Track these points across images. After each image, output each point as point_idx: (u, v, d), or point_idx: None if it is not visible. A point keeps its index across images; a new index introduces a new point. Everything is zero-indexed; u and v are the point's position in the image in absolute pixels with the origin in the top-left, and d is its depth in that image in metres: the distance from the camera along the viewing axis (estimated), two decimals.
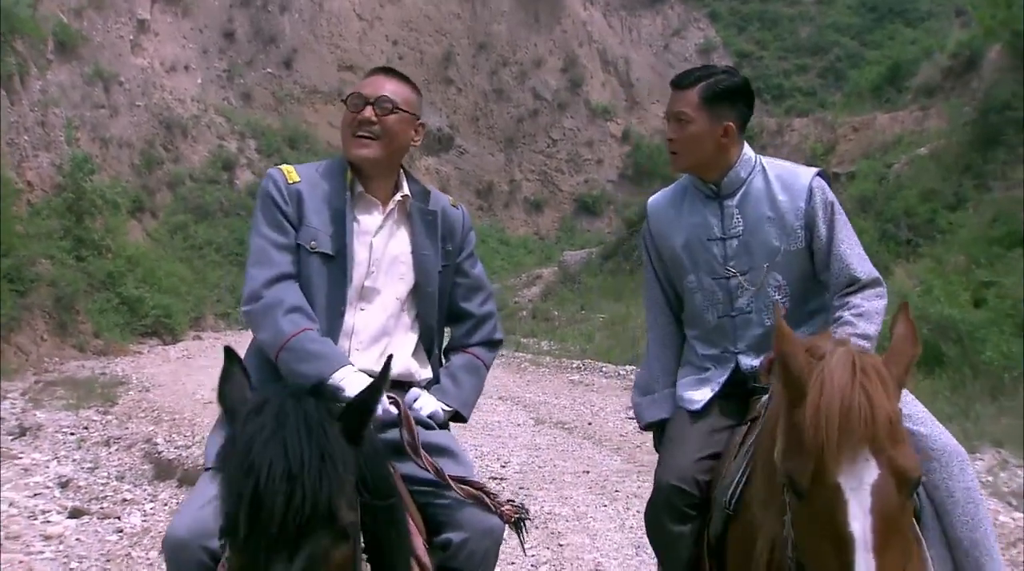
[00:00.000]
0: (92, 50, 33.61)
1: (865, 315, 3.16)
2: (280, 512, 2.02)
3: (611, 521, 7.62)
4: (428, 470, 2.98)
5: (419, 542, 2.90)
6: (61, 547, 7.18)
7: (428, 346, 3.40)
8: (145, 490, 9.02)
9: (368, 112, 3.23)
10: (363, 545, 2.34)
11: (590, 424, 11.86)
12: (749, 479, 2.91)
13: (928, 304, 11.50)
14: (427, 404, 3.23)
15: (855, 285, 3.27)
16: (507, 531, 3.17)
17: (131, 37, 36.24)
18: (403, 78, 3.38)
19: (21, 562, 6.77)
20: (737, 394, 3.39)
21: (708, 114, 3.35)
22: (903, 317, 2.54)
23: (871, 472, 2.25)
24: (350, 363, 3.07)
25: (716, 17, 52.12)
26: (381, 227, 3.29)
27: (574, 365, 17.25)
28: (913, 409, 3.09)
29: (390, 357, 2.49)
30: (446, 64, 44.50)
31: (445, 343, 3.56)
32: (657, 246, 3.57)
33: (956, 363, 10.76)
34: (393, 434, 3.00)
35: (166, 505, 8.48)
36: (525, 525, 3.20)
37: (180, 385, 14.85)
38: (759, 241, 3.36)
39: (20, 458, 9.83)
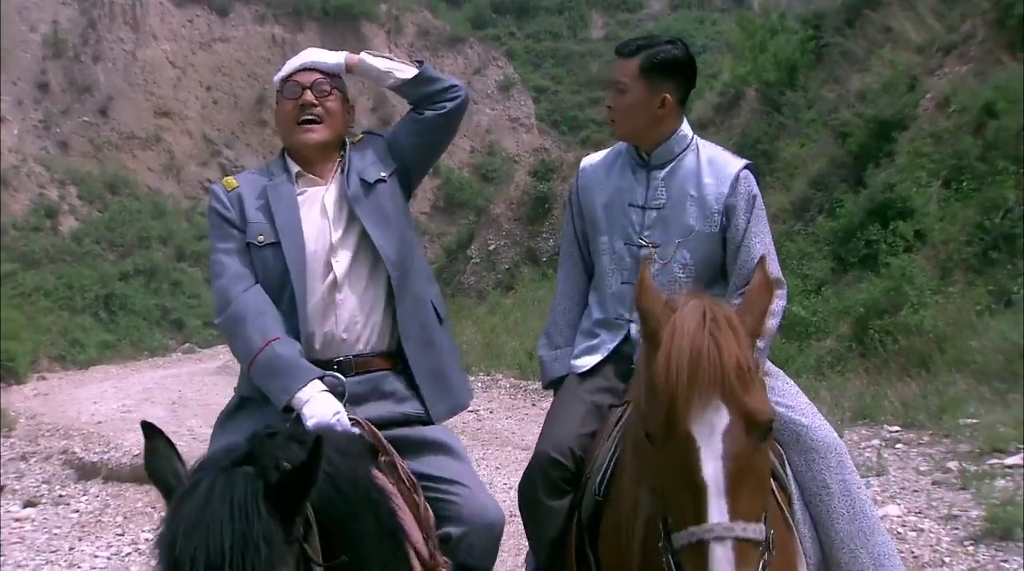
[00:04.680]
0: None
1: None
2: None
3: None
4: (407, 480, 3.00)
5: (418, 536, 2.88)
6: (35, 523, 8.68)
7: (400, 280, 3.31)
8: (76, 488, 10.24)
9: (309, 96, 3.27)
10: None
11: None
12: (619, 462, 2.87)
13: None
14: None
15: None
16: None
17: None
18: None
19: (11, 532, 8.25)
20: (626, 359, 3.34)
21: (645, 84, 3.26)
22: (760, 269, 2.53)
23: (722, 418, 2.23)
24: (316, 377, 3.04)
25: (513, 55, 54.39)
26: (328, 188, 3.32)
27: None
28: (796, 400, 3.11)
29: (319, 439, 2.20)
30: (260, 107, 44.81)
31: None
32: (580, 202, 3.49)
33: None
34: (390, 433, 3.11)
35: (97, 496, 9.81)
36: None
37: (62, 413, 15.81)
38: (677, 217, 3.29)
39: None
